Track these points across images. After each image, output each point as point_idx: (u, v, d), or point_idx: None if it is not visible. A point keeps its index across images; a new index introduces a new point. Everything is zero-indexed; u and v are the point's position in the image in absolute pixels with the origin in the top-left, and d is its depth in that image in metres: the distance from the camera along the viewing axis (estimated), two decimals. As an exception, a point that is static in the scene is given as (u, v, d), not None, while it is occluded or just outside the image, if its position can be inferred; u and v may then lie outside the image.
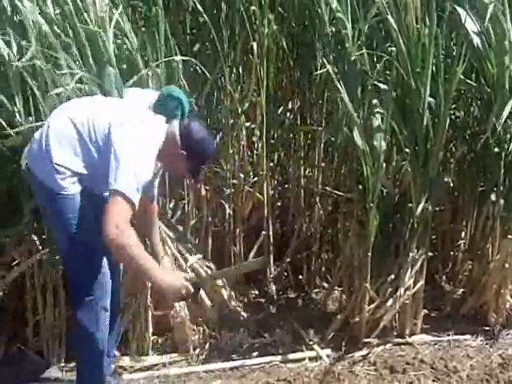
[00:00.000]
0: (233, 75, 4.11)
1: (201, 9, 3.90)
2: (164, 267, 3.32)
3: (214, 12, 3.99)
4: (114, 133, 2.82)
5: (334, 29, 3.75)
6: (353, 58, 3.60)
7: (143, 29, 3.86)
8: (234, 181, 4.27)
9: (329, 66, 3.52)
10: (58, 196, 2.85)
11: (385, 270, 3.79)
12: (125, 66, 3.63)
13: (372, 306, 3.78)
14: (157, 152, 2.85)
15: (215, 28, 3.89)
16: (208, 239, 4.27)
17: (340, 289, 4.19)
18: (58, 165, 2.83)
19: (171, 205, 4.12)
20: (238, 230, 4.31)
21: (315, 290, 4.45)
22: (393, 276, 3.76)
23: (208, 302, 3.85)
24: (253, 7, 3.94)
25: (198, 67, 3.98)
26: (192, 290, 2.85)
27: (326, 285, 4.46)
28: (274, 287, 4.41)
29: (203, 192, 4.19)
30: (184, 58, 3.85)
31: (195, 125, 3.00)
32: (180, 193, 4.15)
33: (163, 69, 3.84)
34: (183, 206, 4.15)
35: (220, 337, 3.90)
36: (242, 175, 4.27)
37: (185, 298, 2.95)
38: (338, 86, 3.49)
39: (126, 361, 3.69)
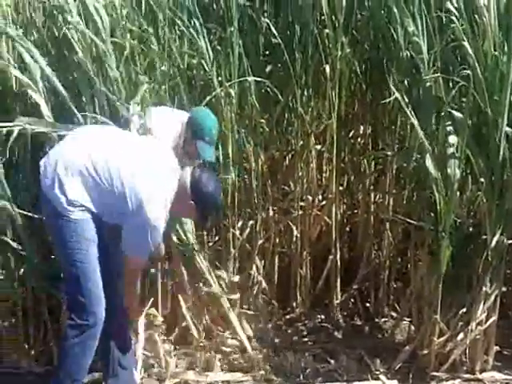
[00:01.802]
0: (304, 97, 4.09)
1: (274, 31, 3.90)
2: None
3: (288, 34, 3.98)
4: (128, 187, 2.92)
5: (408, 53, 3.67)
6: (428, 84, 3.51)
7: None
8: (303, 203, 4.23)
9: (397, 94, 3.45)
10: (63, 217, 2.93)
11: (456, 302, 3.66)
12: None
13: (442, 339, 3.65)
14: (169, 204, 3.00)
15: (288, 50, 3.89)
16: (274, 260, 4.24)
17: (409, 319, 4.06)
18: (68, 196, 2.91)
19: (239, 224, 4.11)
20: (304, 253, 4.26)
21: (383, 319, 4.33)
22: (464, 309, 3.63)
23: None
24: (326, 30, 3.92)
25: (269, 88, 3.98)
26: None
27: (394, 314, 4.34)
28: (340, 313, 4.32)
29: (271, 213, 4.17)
30: (256, 78, 3.88)
31: (205, 176, 3.07)
32: (249, 212, 4.14)
33: (236, 89, 3.88)
34: (251, 225, 4.14)
35: (285, 358, 3.85)
36: (310, 198, 4.22)
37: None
38: (409, 113, 3.42)
39: (189, 374, 3.69)
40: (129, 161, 2.98)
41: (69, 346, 3.02)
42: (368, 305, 4.41)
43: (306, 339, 4.12)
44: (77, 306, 3.01)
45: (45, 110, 3.46)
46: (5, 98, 3.70)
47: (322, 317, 4.34)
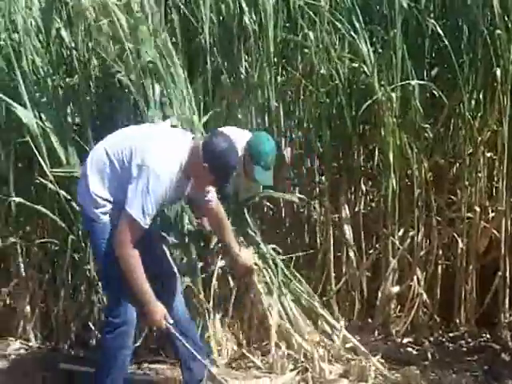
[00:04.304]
0: (472, 102, 3.89)
1: (441, 32, 3.77)
2: (246, 257, 3.50)
3: (455, 35, 3.83)
4: (136, 153, 2.92)
5: None
6: None
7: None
8: (469, 214, 4.01)
9: None
10: (92, 221, 3.04)
11: None
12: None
13: None
14: (178, 168, 2.92)
15: (455, 52, 3.74)
16: (437, 273, 4.06)
17: None
18: (93, 192, 3.00)
19: (400, 233, 4.00)
20: (470, 268, 4.03)
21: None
22: None
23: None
24: (498, 31, 3.71)
25: (434, 92, 3.85)
26: (164, 328, 3.05)
27: None
28: (508, 333, 4.01)
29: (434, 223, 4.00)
30: (421, 82, 3.77)
31: (217, 138, 2.97)
32: (410, 221, 4.00)
33: (398, 93, 3.79)
34: (413, 235, 3.99)
35: (444, 376, 3.63)
36: (477, 208, 3.99)
37: (158, 326, 3.10)
38: None
39: (344, 382, 3.58)
40: (142, 136, 3.03)
41: (104, 343, 3.13)
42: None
43: (468, 358, 3.85)
44: (110, 304, 3.14)
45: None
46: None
47: (488, 336, 4.06)
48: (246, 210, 3.81)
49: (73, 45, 3.89)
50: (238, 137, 3.41)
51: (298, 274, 3.83)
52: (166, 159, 2.89)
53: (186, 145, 2.99)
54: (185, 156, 2.95)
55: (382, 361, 3.71)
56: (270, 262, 3.76)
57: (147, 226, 2.90)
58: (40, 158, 3.70)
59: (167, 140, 3.00)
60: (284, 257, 3.83)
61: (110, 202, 3.01)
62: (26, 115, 3.69)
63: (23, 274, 4.03)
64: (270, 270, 3.73)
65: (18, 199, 3.83)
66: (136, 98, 3.61)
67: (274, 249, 3.82)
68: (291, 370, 3.59)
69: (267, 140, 3.48)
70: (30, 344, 4.03)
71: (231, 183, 3.12)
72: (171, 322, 3.05)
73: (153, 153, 2.89)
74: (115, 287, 3.03)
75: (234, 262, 3.51)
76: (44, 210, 3.82)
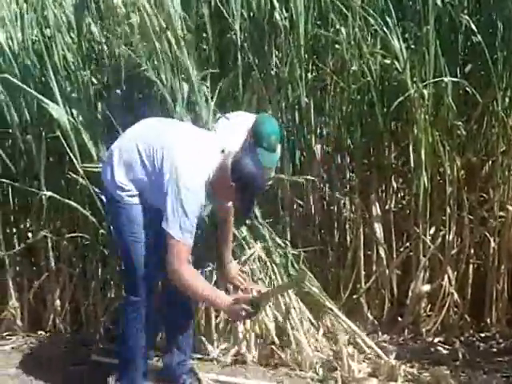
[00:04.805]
0: (506, 99, 3.82)
1: (475, 28, 3.71)
2: (231, 271, 3.54)
3: (489, 32, 3.77)
4: (168, 162, 2.95)
5: None
6: None
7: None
8: (502, 213, 3.95)
9: None
10: (116, 203, 3.09)
11: None
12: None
13: None
14: (207, 179, 2.96)
15: (489, 49, 3.67)
16: (468, 272, 4.01)
17: None
18: (118, 181, 3.06)
19: (431, 231, 3.96)
20: (502, 267, 3.97)
21: None
22: None
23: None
24: (536, 27, 3.65)
25: (468, 89, 3.80)
26: (250, 310, 3.01)
27: None
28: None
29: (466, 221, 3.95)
30: (454, 79, 3.72)
31: (246, 159, 2.97)
32: (441, 220, 3.96)
33: (431, 89, 3.75)
34: (444, 234, 3.95)
35: (474, 377, 3.57)
36: (510, 208, 3.93)
37: (245, 318, 3.14)
38: None
39: (373, 382, 3.51)
40: (172, 139, 3.03)
41: (126, 322, 3.18)
42: None
43: (499, 359, 3.77)
44: (130, 284, 3.17)
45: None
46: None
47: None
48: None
49: (103, 40, 3.89)
50: (247, 120, 3.46)
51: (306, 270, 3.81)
52: (199, 175, 2.95)
53: (216, 156, 3.02)
54: (213, 168, 2.99)
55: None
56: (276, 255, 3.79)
57: (191, 241, 2.94)
58: (71, 153, 3.71)
59: (199, 152, 3.01)
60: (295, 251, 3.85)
61: (135, 190, 3.06)
62: (58, 111, 3.71)
63: (53, 268, 4.05)
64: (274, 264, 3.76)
65: (49, 193, 3.85)
66: (164, 96, 3.60)
67: (284, 242, 3.84)
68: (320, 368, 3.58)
69: (269, 121, 3.48)
70: (60, 337, 4.05)
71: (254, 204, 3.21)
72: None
73: (186, 168, 2.93)
74: (135, 267, 3.09)
75: (221, 269, 3.59)
76: (74, 204, 3.84)
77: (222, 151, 3.05)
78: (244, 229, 3.75)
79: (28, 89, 3.77)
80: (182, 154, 2.96)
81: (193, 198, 2.90)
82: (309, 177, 3.99)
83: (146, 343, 3.21)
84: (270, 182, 3.78)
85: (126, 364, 3.22)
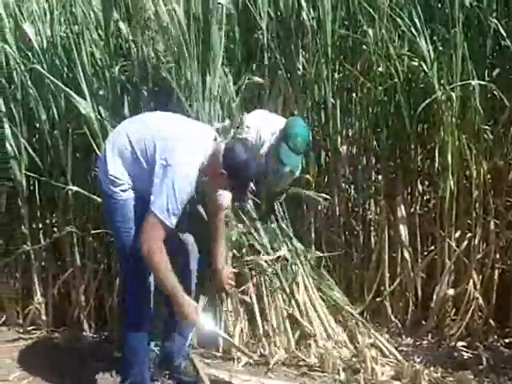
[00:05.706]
0: (534, 103, 3.79)
1: (503, 32, 3.68)
2: (224, 275, 3.61)
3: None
4: (160, 149, 2.95)
5: None
6: None
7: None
8: (528, 217, 3.90)
9: None
10: (110, 198, 3.09)
11: None
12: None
13: None
14: (199, 166, 2.95)
15: (517, 52, 3.65)
16: (493, 276, 3.97)
17: None
18: (111, 175, 3.06)
19: (456, 235, 3.93)
20: (528, 272, 3.93)
21: None
22: None
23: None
24: None
25: (496, 93, 3.76)
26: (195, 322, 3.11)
27: None
28: None
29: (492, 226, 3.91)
30: (481, 82, 3.70)
31: (239, 146, 2.97)
32: (467, 224, 3.93)
33: (458, 92, 3.72)
34: (470, 237, 3.92)
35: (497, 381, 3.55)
36: (537, 213, 3.89)
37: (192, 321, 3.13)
38: None
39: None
40: (164, 129, 3.04)
41: (127, 312, 3.21)
42: None
43: (524, 364, 3.76)
44: (129, 275, 3.19)
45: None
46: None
47: None
48: (278, 204, 3.85)
49: (131, 37, 3.91)
50: (267, 121, 3.56)
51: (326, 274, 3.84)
52: (190, 160, 2.94)
53: (209, 145, 3.02)
54: (206, 156, 2.98)
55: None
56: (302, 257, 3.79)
57: (173, 226, 2.93)
58: (97, 149, 3.72)
59: (192, 140, 3.01)
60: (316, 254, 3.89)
61: (128, 184, 3.07)
62: (85, 106, 3.73)
63: (78, 264, 4.06)
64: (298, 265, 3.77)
65: (75, 188, 3.87)
66: (184, 94, 3.64)
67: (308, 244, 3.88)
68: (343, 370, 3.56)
69: (301, 124, 3.60)
70: (84, 334, 4.06)
71: (247, 193, 3.25)
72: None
73: (177, 153, 2.93)
74: (131, 261, 3.10)
75: (214, 273, 3.60)
76: (100, 200, 3.84)
77: (215, 139, 3.08)
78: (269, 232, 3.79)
79: (57, 81, 3.79)
80: (175, 141, 2.97)
81: (183, 184, 2.90)
82: (325, 195, 4.00)
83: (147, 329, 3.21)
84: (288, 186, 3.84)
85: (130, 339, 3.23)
